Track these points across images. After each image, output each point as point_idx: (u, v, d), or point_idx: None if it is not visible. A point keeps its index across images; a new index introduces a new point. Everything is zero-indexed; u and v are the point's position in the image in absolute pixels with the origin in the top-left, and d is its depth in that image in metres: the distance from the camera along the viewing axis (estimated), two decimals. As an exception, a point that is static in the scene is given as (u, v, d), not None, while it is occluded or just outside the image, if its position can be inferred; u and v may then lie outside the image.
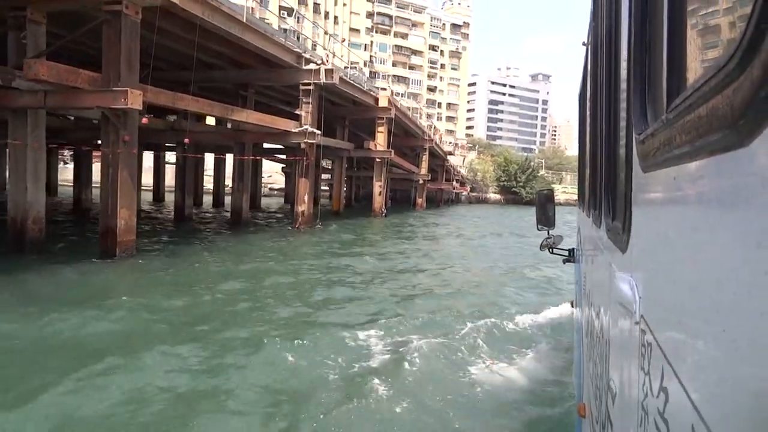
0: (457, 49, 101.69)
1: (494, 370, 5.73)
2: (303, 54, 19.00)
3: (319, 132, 19.39)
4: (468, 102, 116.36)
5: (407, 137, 37.19)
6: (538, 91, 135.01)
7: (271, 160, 34.87)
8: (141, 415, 4.28)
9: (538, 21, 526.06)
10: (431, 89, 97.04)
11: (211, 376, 5.18)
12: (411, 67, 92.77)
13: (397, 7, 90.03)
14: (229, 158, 24.42)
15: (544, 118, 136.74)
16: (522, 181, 61.70)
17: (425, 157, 39.11)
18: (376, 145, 28.01)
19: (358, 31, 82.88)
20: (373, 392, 4.90)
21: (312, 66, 18.93)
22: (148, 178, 29.28)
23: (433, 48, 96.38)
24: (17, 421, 4.08)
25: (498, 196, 63.06)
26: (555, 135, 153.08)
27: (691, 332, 0.64)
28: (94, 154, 21.62)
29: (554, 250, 4.87)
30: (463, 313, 8.08)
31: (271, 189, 45.65)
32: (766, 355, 0.42)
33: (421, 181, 39.73)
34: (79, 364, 5.12)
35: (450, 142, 76.36)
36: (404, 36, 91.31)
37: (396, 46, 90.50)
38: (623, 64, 1.27)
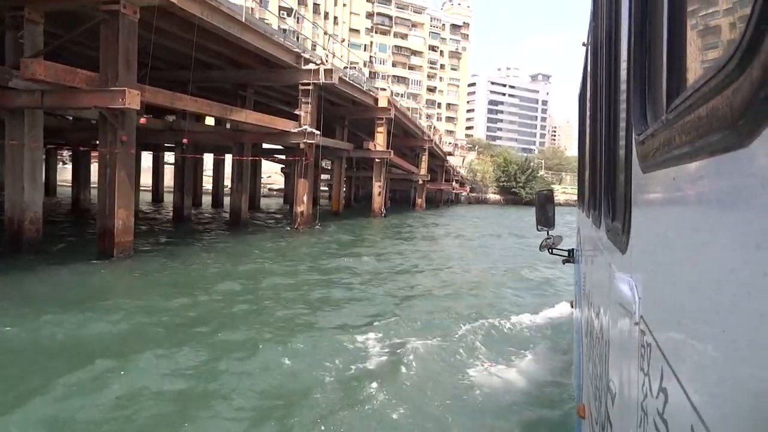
0: (456, 49, 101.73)
1: (493, 372, 5.69)
2: (302, 54, 18.96)
3: (318, 132, 19.34)
4: (468, 102, 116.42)
5: (407, 137, 37.18)
6: (537, 92, 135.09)
7: (270, 160, 34.86)
8: (134, 419, 4.23)
9: (538, 21, 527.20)
10: (431, 89, 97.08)
11: (206, 379, 5.11)
12: (411, 68, 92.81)
13: (397, 7, 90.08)
14: (229, 158, 24.38)
15: (543, 119, 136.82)
16: (522, 181, 61.72)
17: (425, 158, 39.10)
18: (375, 145, 27.97)
19: (357, 31, 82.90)
20: (370, 395, 4.85)
21: (311, 66, 18.90)
22: (147, 179, 29.22)
23: (432, 48, 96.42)
24: (11, 424, 4.02)
25: (498, 197, 63.07)
26: (555, 135, 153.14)
27: (690, 333, 0.64)
28: (93, 154, 21.57)
29: (554, 250, 4.88)
30: (462, 314, 8.04)
31: (270, 189, 45.62)
32: (765, 356, 0.42)
33: (420, 182, 39.72)
34: (73, 367, 5.06)
35: (450, 143, 76.38)
36: (404, 36, 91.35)
37: (396, 46, 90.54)
38: (623, 65, 1.27)
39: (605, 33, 1.82)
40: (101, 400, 4.46)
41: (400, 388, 5.14)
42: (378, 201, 29.18)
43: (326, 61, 19.81)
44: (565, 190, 61.57)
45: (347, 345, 6.31)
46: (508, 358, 6.19)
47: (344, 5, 78.96)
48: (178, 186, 21.08)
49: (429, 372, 5.57)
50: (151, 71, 12.45)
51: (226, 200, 25.88)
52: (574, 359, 4.18)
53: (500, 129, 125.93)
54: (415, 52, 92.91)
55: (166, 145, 25.84)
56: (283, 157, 30.88)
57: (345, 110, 27.14)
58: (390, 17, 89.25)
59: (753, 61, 0.44)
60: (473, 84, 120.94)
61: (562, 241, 4.98)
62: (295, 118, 19.56)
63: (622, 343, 1.16)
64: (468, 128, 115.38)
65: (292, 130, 18.89)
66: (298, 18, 49.24)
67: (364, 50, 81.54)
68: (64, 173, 36.07)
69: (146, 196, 28.46)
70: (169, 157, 28.06)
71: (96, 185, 12.16)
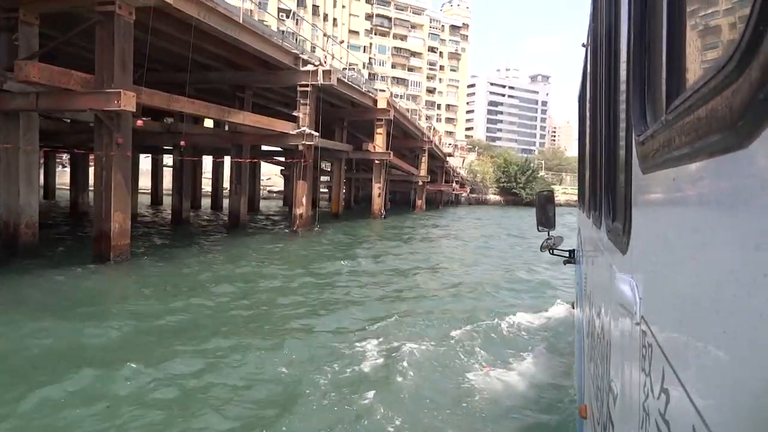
0: (456, 50, 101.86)
1: (492, 375, 5.60)
2: (300, 55, 18.89)
3: (317, 134, 19.26)
4: (467, 103, 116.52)
5: (406, 139, 37.11)
6: (537, 92, 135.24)
7: (269, 162, 34.77)
8: (125, 430, 4.12)
9: (538, 21, 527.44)
10: (430, 91, 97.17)
11: (198, 387, 4.99)
12: (410, 69, 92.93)
13: (396, 9, 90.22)
14: (228, 161, 24.31)
15: (543, 119, 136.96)
16: (522, 182, 61.63)
17: (424, 159, 39.03)
18: (375, 146, 27.90)
19: (357, 33, 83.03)
20: (368, 399, 4.76)
21: (310, 67, 18.82)
22: (145, 181, 29.17)
23: (432, 50, 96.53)
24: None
25: (498, 198, 63.01)
26: (555, 136, 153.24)
27: (691, 333, 0.64)
28: (91, 157, 21.47)
29: (554, 251, 4.88)
30: (461, 317, 7.95)
31: (270, 192, 45.54)
32: (766, 356, 0.43)
33: (420, 183, 39.64)
34: (60, 375, 4.95)
35: (449, 144, 76.24)
36: (403, 38, 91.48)
37: (395, 48, 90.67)
38: (623, 66, 1.28)
39: (605, 33, 1.83)
40: (88, 411, 4.34)
41: (399, 391, 5.05)
42: (378, 202, 29.10)
43: (325, 62, 19.74)
44: (566, 191, 61.45)
45: (345, 351, 6.20)
46: (507, 361, 6.10)
47: (343, 7, 79.07)
48: (177, 188, 21.00)
49: (427, 376, 5.48)
50: (148, 73, 12.39)
51: (226, 202, 25.79)
52: (576, 359, 4.17)
53: (500, 130, 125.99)
54: (414, 54, 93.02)
55: (164, 147, 25.74)
56: (282, 159, 30.79)
57: (344, 112, 27.08)
58: (389, 19, 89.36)
59: (752, 62, 0.44)
60: (473, 85, 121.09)
61: (563, 242, 4.94)
62: (294, 119, 19.47)
63: (623, 344, 1.17)
64: (468, 129, 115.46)
65: (291, 132, 18.81)
66: (297, 20, 49.27)
67: (364, 52, 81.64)
68: (64, 176, 35.97)
69: (145, 199, 28.38)
70: (168, 159, 27.96)
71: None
